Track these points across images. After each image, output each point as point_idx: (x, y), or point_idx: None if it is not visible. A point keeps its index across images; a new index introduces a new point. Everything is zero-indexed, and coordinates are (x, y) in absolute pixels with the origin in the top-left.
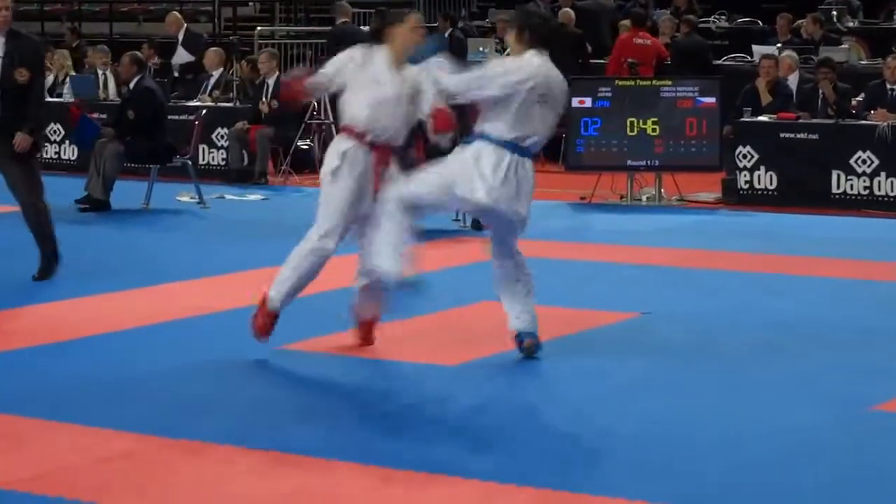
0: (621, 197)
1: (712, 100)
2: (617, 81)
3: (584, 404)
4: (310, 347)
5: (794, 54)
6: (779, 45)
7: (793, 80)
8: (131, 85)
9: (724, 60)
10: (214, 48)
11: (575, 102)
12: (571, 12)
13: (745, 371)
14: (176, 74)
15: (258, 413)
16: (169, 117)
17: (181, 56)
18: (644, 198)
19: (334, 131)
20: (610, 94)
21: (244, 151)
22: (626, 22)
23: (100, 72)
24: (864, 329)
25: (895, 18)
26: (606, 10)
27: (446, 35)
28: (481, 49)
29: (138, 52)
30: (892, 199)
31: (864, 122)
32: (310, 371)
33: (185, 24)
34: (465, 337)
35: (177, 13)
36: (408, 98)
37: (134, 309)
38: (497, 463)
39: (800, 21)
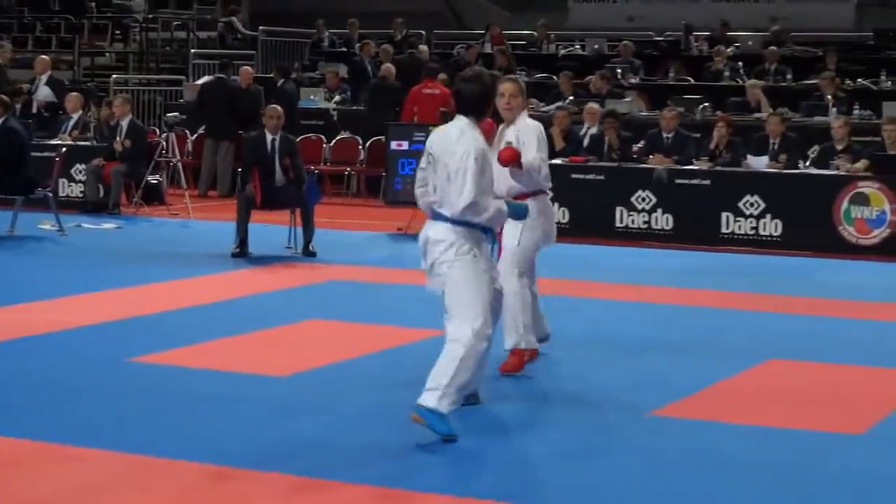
0: None
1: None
2: (430, 127)
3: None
4: (158, 360)
5: (596, 105)
6: (570, 98)
7: (594, 128)
8: None
9: None
10: (75, 93)
11: (393, 145)
12: (392, 67)
13: (536, 384)
14: (35, 111)
15: (110, 418)
16: (32, 154)
17: (42, 93)
18: None
19: (180, 168)
20: (424, 139)
21: (100, 185)
22: (442, 75)
23: None
24: (644, 344)
25: (670, 76)
26: (423, 64)
27: (279, 85)
28: (312, 97)
29: (3, 96)
30: (666, 232)
31: (643, 165)
32: (158, 381)
33: (50, 71)
34: (294, 350)
35: (45, 56)
36: None
37: None
38: (337, 462)
39: (589, 77)
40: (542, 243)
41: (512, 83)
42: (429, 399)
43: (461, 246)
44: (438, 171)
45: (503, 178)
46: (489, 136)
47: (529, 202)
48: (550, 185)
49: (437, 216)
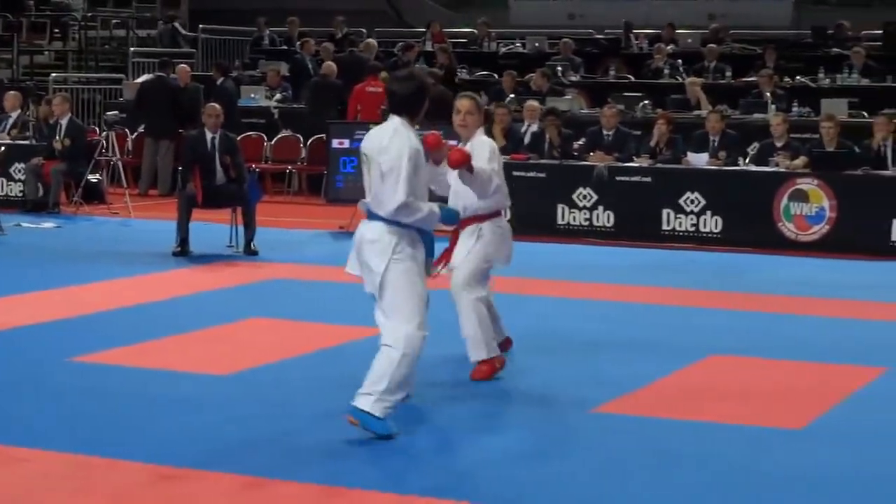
0: None
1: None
2: (371, 126)
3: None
4: (100, 359)
5: (536, 103)
6: (511, 96)
7: (535, 126)
8: None
9: None
10: (13, 92)
11: (335, 143)
12: (333, 65)
13: (479, 381)
14: None
15: (52, 418)
16: None
17: None
18: None
19: (121, 167)
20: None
21: (39, 184)
22: (384, 74)
23: None
24: (586, 341)
25: (610, 74)
26: (364, 62)
27: (218, 83)
28: (252, 95)
29: None
30: (608, 229)
31: (584, 162)
32: (99, 380)
33: None
34: (236, 349)
35: None
36: None
37: None
38: (273, 460)
39: (530, 74)
40: (493, 259)
41: (468, 100)
42: (363, 402)
43: (396, 246)
44: (372, 171)
45: (461, 197)
46: (436, 149)
47: (486, 224)
48: (510, 203)
49: (372, 216)
